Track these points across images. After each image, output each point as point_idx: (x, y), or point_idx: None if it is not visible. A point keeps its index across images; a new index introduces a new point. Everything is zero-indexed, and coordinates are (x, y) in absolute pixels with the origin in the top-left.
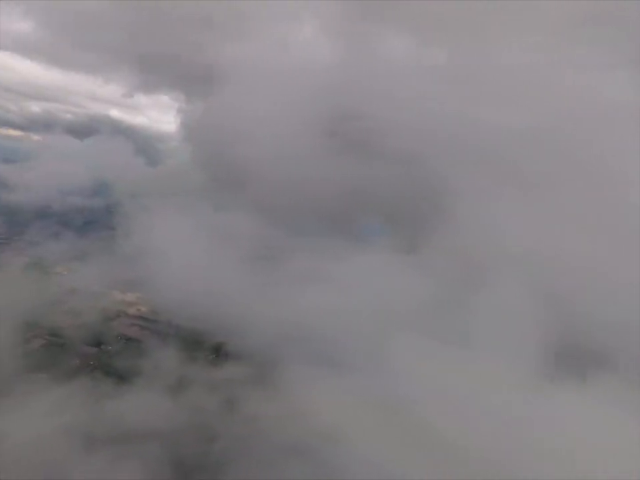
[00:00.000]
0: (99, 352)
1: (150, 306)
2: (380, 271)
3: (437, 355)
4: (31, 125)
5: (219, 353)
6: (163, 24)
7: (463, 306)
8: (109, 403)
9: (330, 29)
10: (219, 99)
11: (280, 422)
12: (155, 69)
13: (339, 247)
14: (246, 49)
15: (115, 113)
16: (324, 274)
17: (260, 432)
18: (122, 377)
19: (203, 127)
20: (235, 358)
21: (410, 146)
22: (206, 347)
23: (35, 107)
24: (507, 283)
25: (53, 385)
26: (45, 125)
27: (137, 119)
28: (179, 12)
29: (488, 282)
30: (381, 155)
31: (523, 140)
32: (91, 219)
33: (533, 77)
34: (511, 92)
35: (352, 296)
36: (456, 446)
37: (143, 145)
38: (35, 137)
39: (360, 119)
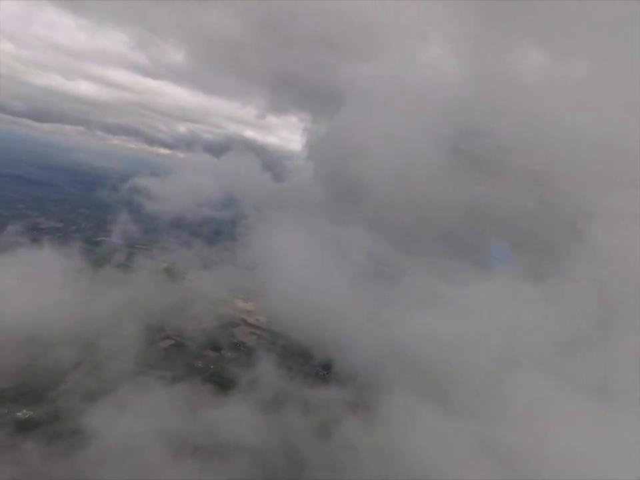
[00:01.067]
0: (218, 357)
1: (266, 316)
2: (504, 299)
3: (566, 402)
4: (177, 143)
5: (324, 369)
6: (293, 47)
7: (600, 344)
8: (206, 412)
9: (458, 46)
10: (343, 117)
11: (377, 455)
12: (284, 92)
13: (459, 270)
14: (372, 68)
15: (249, 133)
16: (441, 297)
17: (354, 463)
18: (224, 386)
19: (326, 144)
20: (338, 377)
21: (540, 165)
22: (312, 363)
23: (182, 128)
24: None
25: (158, 387)
26: (188, 143)
27: (269, 139)
28: (308, 35)
29: (629, 317)
30: (508, 173)
31: None
32: (219, 229)
33: None
34: None
35: (471, 324)
36: None
37: (271, 162)
38: (180, 155)
39: (487, 136)
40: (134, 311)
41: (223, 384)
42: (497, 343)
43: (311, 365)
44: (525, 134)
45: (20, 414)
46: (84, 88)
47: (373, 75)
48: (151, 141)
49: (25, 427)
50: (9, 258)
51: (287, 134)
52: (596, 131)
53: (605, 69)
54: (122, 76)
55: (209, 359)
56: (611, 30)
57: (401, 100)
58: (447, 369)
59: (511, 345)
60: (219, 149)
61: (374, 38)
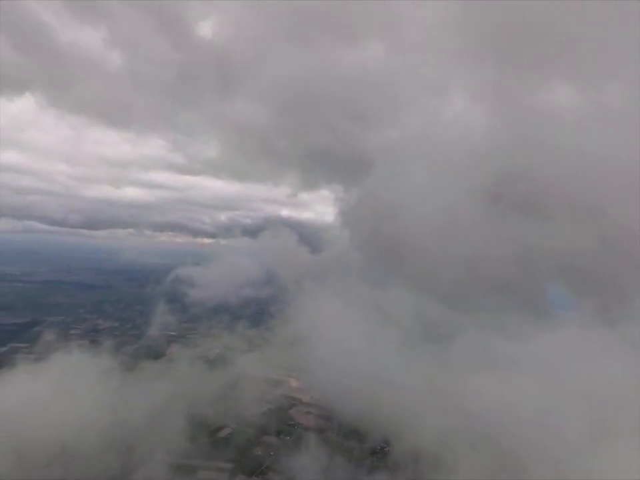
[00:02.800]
0: (277, 442)
1: (317, 393)
2: (575, 349)
3: None
4: (219, 231)
5: (380, 451)
6: (316, 123)
7: None
8: None
9: (480, 94)
10: (374, 182)
11: None
12: (313, 167)
13: (519, 323)
14: (397, 130)
15: (285, 212)
16: (504, 356)
17: None
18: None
19: (358, 210)
20: (395, 461)
21: (587, 200)
22: (366, 445)
23: (222, 217)
24: None
25: None
26: (228, 230)
27: (304, 214)
28: (329, 109)
29: None
30: (555, 214)
31: None
32: (262, 309)
33: None
34: None
35: (543, 385)
36: None
37: (307, 235)
38: (223, 242)
39: (525, 179)
40: (185, 403)
41: (281, 472)
42: (579, 405)
43: (366, 447)
44: (565, 170)
45: None
46: (131, 193)
47: (399, 136)
48: (195, 233)
49: None
50: (44, 364)
51: (322, 207)
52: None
53: (638, 93)
54: (163, 177)
55: (267, 445)
56: (633, 50)
57: (430, 157)
58: (523, 442)
59: (596, 406)
60: (257, 230)
61: (395, 100)
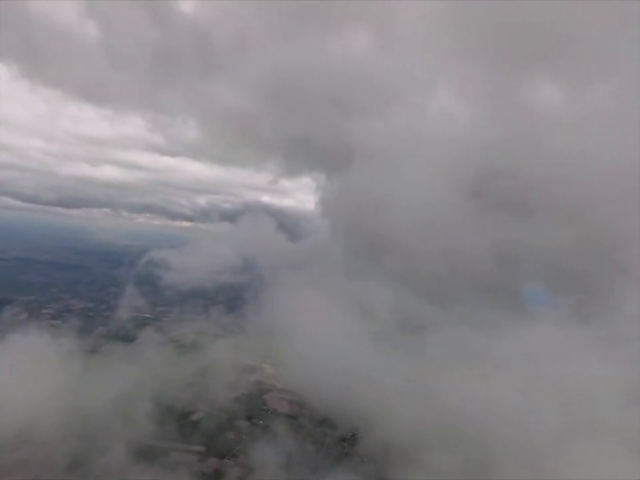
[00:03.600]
0: (250, 426)
1: (291, 381)
2: (551, 346)
3: None
4: (197, 215)
5: (350, 441)
6: (301, 111)
7: None
8: None
9: (467, 89)
10: (356, 173)
11: None
12: (296, 155)
13: (497, 319)
14: (382, 122)
15: (265, 198)
16: (480, 351)
17: None
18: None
19: (340, 200)
20: (364, 452)
21: (568, 199)
22: (335, 436)
23: (201, 200)
24: None
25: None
26: (207, 214)
27: (285, 201)
28: (314, 97)
29: None
30: (536, 212)
31: None
32: (238, 295)
33: None
34: None
35: (520, 381)
36: None
37: (286, 223)
38: (202, 226)
39: (508, 176)
40: (157, 387)
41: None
42: (554, 402)
43: (336, 434)
44: (548, 169)
45: None
46: (109, 172)
47: (384, 128)
48: (173, 216)
49: None
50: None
51: (303, 195)
52: (623, 158)
53: (625, 94)
54: (142, 157)
55: (240, 429)
56: (626, 51)
57: (414, 150)
58: (496, 438)
59: (572, 403)
60: (237, 215)
61: (381, 92)
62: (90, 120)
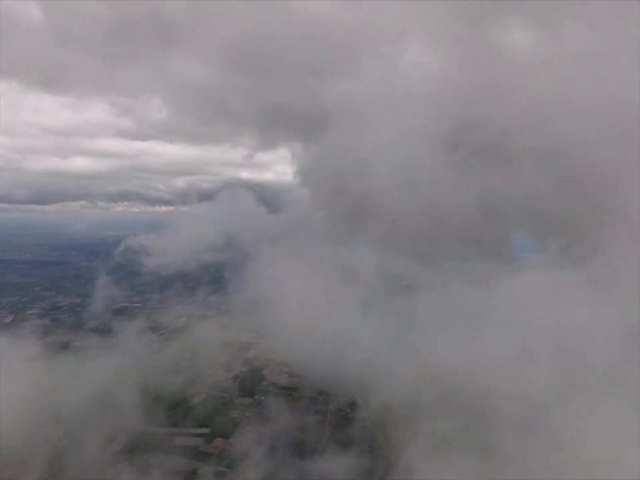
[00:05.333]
0: (253, 403)
1: (282, 354)
2: (542, 292)
3: None
4: (177, 198)
5: (349, 411)
6: (270, 80)
7: None
8: None
9: (438, 39)
10: (332, 137)
11: None
12: (270, 126)
13: (485, 272)
14: (355, 82)
15: (244, 174)
16: (472, 307)
17: None
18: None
19: (317, 167)
20: (364, 419)
21: (546, 143)
22: (336, 404)
23: (179, 182)
24: None
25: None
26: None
27: (265, 175)
28: (283, 64)
29: None
30: (516, 159)
31: None
32: (223, 273)
33: None
34: None
35: (513, 331)
36: None
37: (266, 196)
38: (183, 209)
39: (485, 125)
40: (155, 373)
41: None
42: (549, 351)
43: (336, 404)
44: (525, 115)
45: None
46: (79, 163)
47: (357, 88)
48: (152, 201)
49: None
50: None
51: (282, 167)
52: (598, 97)
53: (596, 32)
54: (112, 144)
55: (243, 406)
56: None
57: (389, 107)
58: (494, 395)
59: (567, 352)
60: (216, 194)
61: (351, 51)
62: (52, 110)
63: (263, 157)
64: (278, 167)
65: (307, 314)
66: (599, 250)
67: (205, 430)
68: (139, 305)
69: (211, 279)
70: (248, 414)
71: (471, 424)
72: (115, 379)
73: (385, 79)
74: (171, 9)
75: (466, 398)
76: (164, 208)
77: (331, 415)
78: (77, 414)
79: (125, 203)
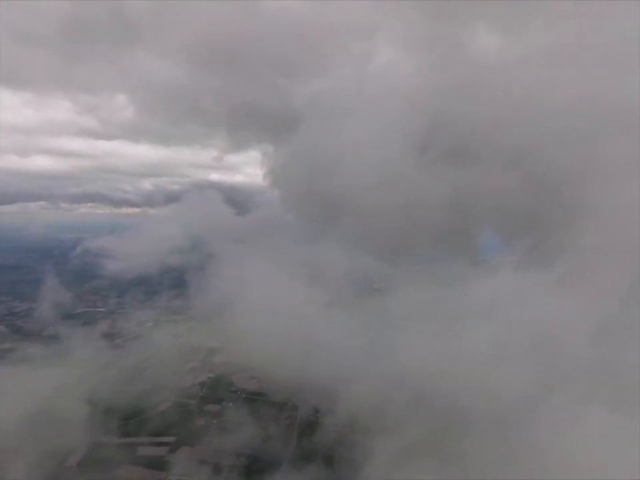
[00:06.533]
0: (221, 409)
1: (250, 358)
2: (513, 293)
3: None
4: (144, 200)
5: (317, 417)
6: (239, 80)
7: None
8: None
9: (407, 39)
10: (303, 137)
11: None
12: (240, 128)
13: (455, 273)
14: (325, 81)
15: (214, 176)
16: (442, 308)
17: None
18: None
19: (288, 168)
20: (328, 427)
21: (513, 142)
22: (304, 411)
23: (147, 184)
24: None
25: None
26: (153, 198)
27: (236, 178)
28: (252, 64)
29: None
30: (486, 157)
31: None
32: (189, 276)
33: None
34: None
35: (483, 334)
36: None
37: (235, 198)
38: (152, 211)
39: (454, 124)
40: (121, 379)
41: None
42: (520, 352)
43: (304, 410)
44: (492, 114)
45: None
46: (40, 162)
47: (327, 87)
48: (117, 203)
49: None
50: None
51: (253, 170)
52: (567, 99)
53: (561, 32)
54: (75, 143)
55: (210, 413)
56: None
57: (360, 106)
58: (466, 398)
59: (538, 351)
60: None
61: (322, 50)
62: (11, 107)
63: (233, 158)
64: (249, 169)
65: (274, 317)
66: (566, 249)
67: (170, 438)
68: (102, 310)
69: (175, 282)
70: (215, 421)
71: (442, 429)
72: (67, 388)
73: (356, 78)
74: (134, 6)
75: (437, 402)
76: (130, 210)
77: (300, 421)
78: (22, 427)
79: (89, 205)
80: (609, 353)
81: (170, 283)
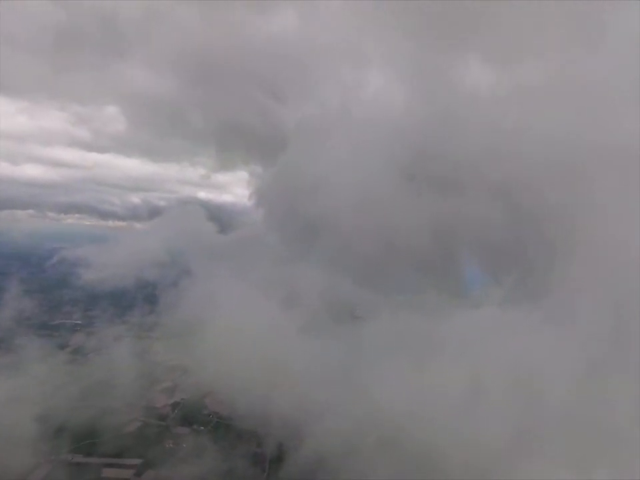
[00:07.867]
0: (191, 432)
1: (221, 381)
2: (494, 330)
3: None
4: (131, 214)
5: (275, 458)
6: (231, 100)
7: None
8: None
9: (399, 68)
10: (289, 159)
11: None
12: (229, 147)
13: (437, 303)
14: (314, 105)
15: (202, 194)
16: (421, 340)
17: None
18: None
19: (273, 189)
20: (291, 470)
21: (500, 175)
22: (271, 440)
23: (135, 198)
24: None
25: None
26: (140, 213)
27: (223, 197)
28: (244, 85)
29: None
30: (468, 190)
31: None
32: (162, 291)
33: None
34: (608, 105)
35: (462, 370)
36: None
37: (219, 216)
38: (138, 225)
39: (441, 156)
40: (89, 396)
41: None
42: (499, 391)
43: (271, 440)
44: (480, 146)
45: None
46: (31, 171)
47: (316, 111)
48: (105, 215)
49: None
50: None
51: (241, 190)
52: (553, 134)
53: (551, 74)
54: (67, 154)
55: (179, 436)
56: (552, 29)
57: (347, 132)
58: (440, 438)
59: (516, 391)
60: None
61: (311, 73)
62: (5, 114)
63: (221, 177)
64: (236, 189)
65: (245, 339)
66: (552, 285)
67: (137, 461)
68: (71, 321)
69: (149, 297)
70: (185, 445)
71: (412, 476)
72: (22, 402)
73: (345, 103)
74: (129, 19)
75: (409, 446)
76: (116, 223)
77: (270, 457)
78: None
79: (77, 215)
80: (589, 403)
81: (144, 298)
